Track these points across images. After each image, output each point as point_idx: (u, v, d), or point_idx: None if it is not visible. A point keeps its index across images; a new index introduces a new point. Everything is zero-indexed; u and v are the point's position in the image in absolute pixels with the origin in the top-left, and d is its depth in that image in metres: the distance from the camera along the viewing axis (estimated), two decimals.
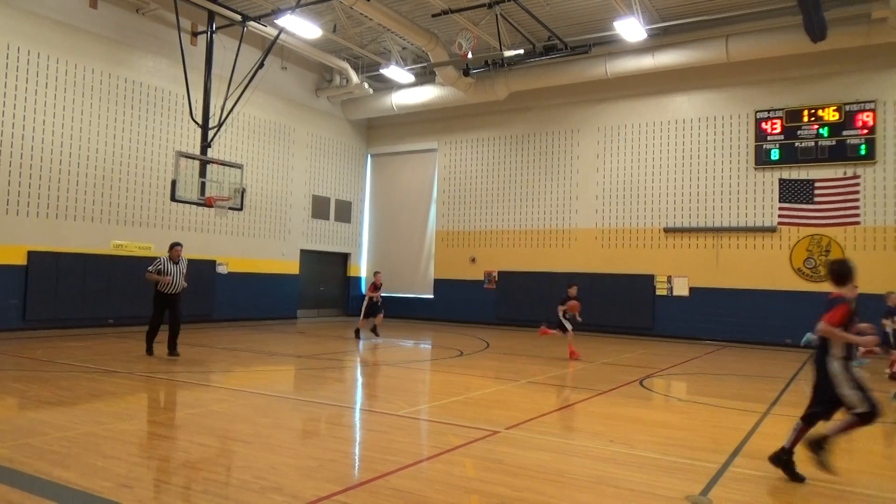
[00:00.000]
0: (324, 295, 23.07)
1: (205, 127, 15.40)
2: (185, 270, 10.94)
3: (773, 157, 17.33)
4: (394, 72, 19.35)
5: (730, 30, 16.58)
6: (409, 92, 21.34)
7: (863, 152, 16.32)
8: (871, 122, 16.28)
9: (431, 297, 22.46)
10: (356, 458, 5.65)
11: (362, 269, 24.12)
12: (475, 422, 6.67)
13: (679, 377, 11.24)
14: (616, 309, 18.91)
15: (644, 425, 7.05)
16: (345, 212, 23.42)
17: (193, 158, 14.82)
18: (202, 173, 14.71)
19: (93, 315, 15.28)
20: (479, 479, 4.89)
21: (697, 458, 5.62)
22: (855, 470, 5.57)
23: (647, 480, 4.93)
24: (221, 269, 18.45)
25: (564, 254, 20.21)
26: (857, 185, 16.30)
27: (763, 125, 17.50)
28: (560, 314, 12.92)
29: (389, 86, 21.75)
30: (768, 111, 17.45)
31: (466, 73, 18.78)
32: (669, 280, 18.52)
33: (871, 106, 16.29)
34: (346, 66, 20.62)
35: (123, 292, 15.60)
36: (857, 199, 16.28)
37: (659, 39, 17.35)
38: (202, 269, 17.34)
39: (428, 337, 17.31)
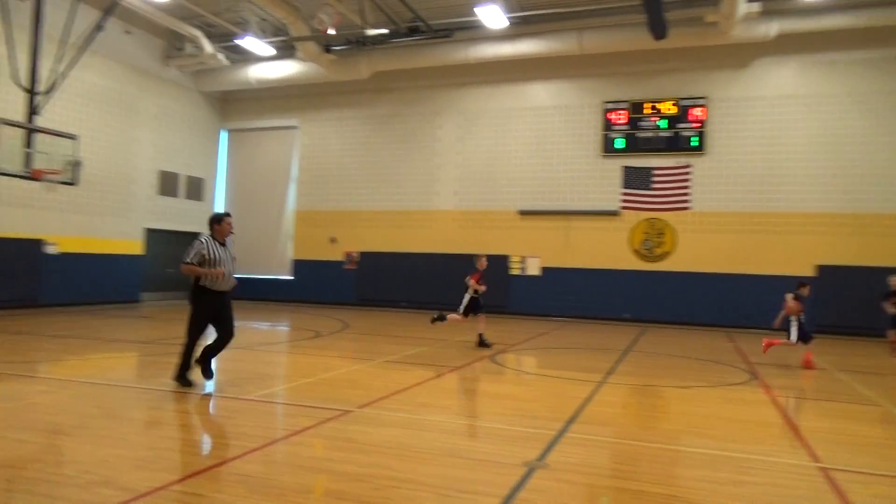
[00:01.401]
0: (172, 277, 21.71)
1: (32, 92, 13.86)
2: (234, 254, 7.69)
3: (618, 146, 18.58)
4: (251, 43, 18.46)
5: (583, 23, 17.46)
6: (268, 66, 20.48)
7: (695, 144, 17.92)
8: (702, 117, 17.90)
9: (290, 278, 21.91)
10: (199, 445, 5.39)
11: None
12: (327, 402, 6.60)
13: (528, 352, 11.82)
14: None
15: (491, 398, 7.34)
16: (196, 189, 22.13)
17: (17, 126, 13.30)
18: (28, 143, 13.26)
19: None
20: (327, 458, 4.85)
21: (538, 426, 5.94)
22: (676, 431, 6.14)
23: (490, 450, 5.15)
24: (50, 250, 16.78)
25: (424, 234, 20.48)
26: (689, 173, 17.90)
27: (610, 115, 18.68)
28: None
29: (247, 58, 20.74)
30: (615, 103, 18.65)
31: (328, 49, 18.35)
32: (523, 260, 19.40)
33: (703, 102, 17.90)
34: (199, 34, 19.36)
35: None
36: (687, 187, 17.89)
37: (519, 28, 17.92)
38: (26, 249, 15.71)
39: (285, 319, 16.88)
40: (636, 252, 18.27)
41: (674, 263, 17.99)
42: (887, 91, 16.59)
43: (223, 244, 7.27)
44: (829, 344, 14.52)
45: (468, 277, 11.83)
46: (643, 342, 13.48)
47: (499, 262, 19.47)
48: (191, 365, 7.26)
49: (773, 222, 17.24)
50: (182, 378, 7.20)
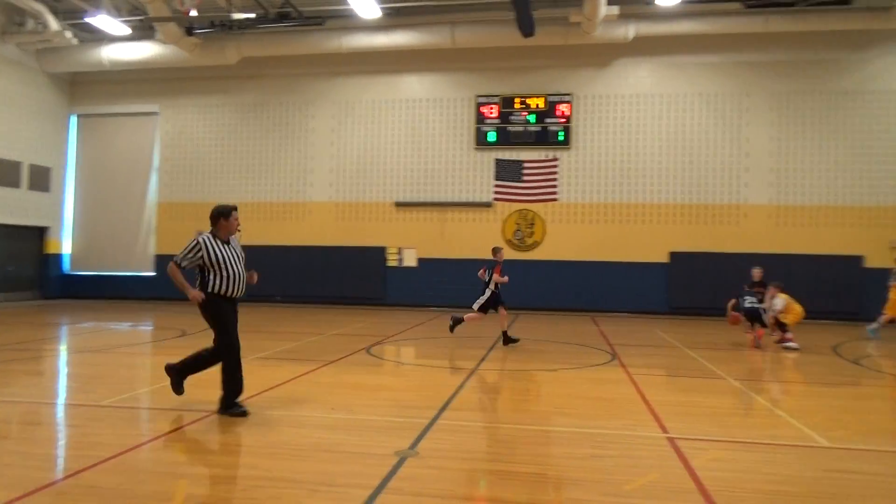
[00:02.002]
0: (12, 275, 19.74)
1: None
2: (242, 253, 6.32)
3: (490, 139, 19.08)
4: (104, 22, 17.10)
5: (456, 17, 17.72)
6: (124, 46, 19.04)
7: (561, 138, 18.77)
8: (568, 113, 18.77)
9: (153, 274, 20.59)
10: (46, 458, 4.95)
11: (64, 244, 21.17)
12: (191, 404, 6.28)
13: (403, 343, 11.90)
14: (349, 281, 19.35)
15: (365, 390, 7.32)
16: (42, 179, 20.24)
17: None
18: None
19: None
20: (190, 462, 4.62)
21: (410, 415, 6.00)
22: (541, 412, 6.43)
23: (362, 442, 5.13)
24: None
25: (299, 227, 20.00)
26: (556, 166, 18.73)
27: (483, 109, 19.12)
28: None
29: (99, 37, 19.18)
30: (487, 97, 19.11)
31: (190, 32, 17.36)
32: (399, 252, 19.47)
33: (569, 98, 18.77)
34: (42, 8, 17.65)
35: None
36: (555, 179, 18.73)
37: (393, 19, 17.87)
38: None
39: (148, 318, 15.87)
40: (509, 242, 18.89)
41: (543, 252, 18.80)
42: (729, 93, 18.22)
43: (227, 242, 6.13)
44: (680, 324, 15.82)
45: (482, 271, 11.22)
46: (515, 329, 13.97)
47: (376, 254, 19.43)
48: (241, 388, 6.03)
49: (632, 213, 18.46)
50: (234, 407, 5.88)
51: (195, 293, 5.88)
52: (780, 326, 11.44)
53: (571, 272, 18.58)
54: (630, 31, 17.31)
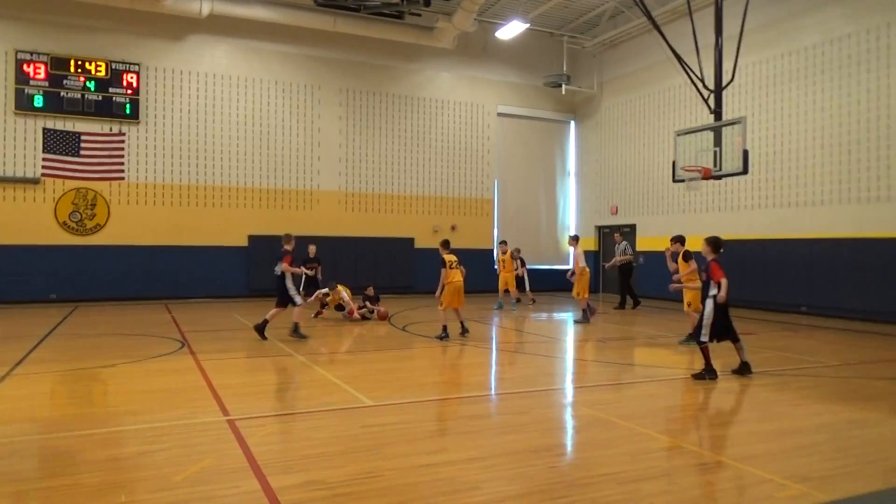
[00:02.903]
0: None
1: None
2: None
3: (36, 104, 16.17)
4: None
5: None
6: None
7: (128, 111, 17.04)
8: (135, 84, 17.12)
9: None
10: None
11: None
12: None
13: None
14: None
15: None
16: None
17: None
18: None
19: None
20: None
21: None
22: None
23: None
24: None
25: None
26: (123, 141, 16.96)
27: (26, 67, 16.08)
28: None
29: None
30: (31, 53, 16.13)
31: None
32: None
33: (136, 68, 17.12)
34: None
35: None
36: (122, 156, 16.96)
37: None
38: None
39: None
40: (64, 225, 16.40)
41: (109, 236, 16.87)
42: (303, 84, 19.10)
43: None
44: (261, 307, 16.01)
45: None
46: (70, 324, 12.23)
47: None
48: None
49: (210, 195, 17.93)
50: None
51: None
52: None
53: (142, 258, 17.12)
54: (205, 7, 16.69)
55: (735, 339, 7.39)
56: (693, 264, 9.73)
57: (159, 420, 5.41)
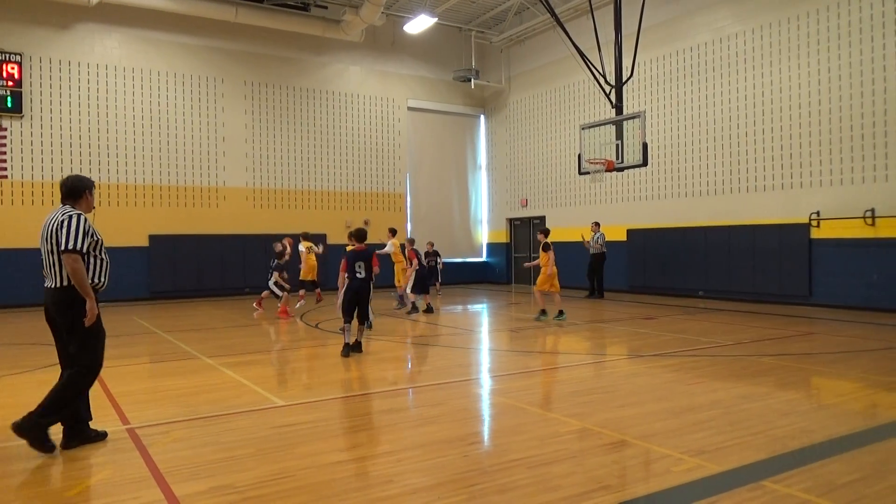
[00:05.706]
0: None
1: None
2: None
3: None
4: None
5: None
6: None
7: (10, 105, 15.83)
8: (17, 75, 15.92)
9: None
10: None
11: None
12: None
13: None
14: None
15: None
16: None
17: None
18: None
19: None
20: None
21: None
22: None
23: None
24: None
25: None
26: (4, 137, 15.74)
27: None
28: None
29: None
30: None
31: None
32: None
33: (18, 58, 15.92)
34: None
35: None
36: (3, 153, 15.73)
37: None
38: None
39: None
40: None
41: None
42: (205, 76, 18.36)
43: None
44: (162, 309, 15.35)
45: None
46: None
47: None
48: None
49: (106, 193, 16.94)
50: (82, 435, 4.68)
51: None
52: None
53: (31, 261, 15.95)
54: None
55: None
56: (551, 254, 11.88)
57: (50, 433, 5.05)
